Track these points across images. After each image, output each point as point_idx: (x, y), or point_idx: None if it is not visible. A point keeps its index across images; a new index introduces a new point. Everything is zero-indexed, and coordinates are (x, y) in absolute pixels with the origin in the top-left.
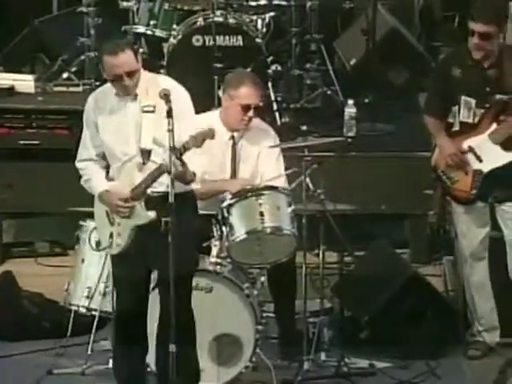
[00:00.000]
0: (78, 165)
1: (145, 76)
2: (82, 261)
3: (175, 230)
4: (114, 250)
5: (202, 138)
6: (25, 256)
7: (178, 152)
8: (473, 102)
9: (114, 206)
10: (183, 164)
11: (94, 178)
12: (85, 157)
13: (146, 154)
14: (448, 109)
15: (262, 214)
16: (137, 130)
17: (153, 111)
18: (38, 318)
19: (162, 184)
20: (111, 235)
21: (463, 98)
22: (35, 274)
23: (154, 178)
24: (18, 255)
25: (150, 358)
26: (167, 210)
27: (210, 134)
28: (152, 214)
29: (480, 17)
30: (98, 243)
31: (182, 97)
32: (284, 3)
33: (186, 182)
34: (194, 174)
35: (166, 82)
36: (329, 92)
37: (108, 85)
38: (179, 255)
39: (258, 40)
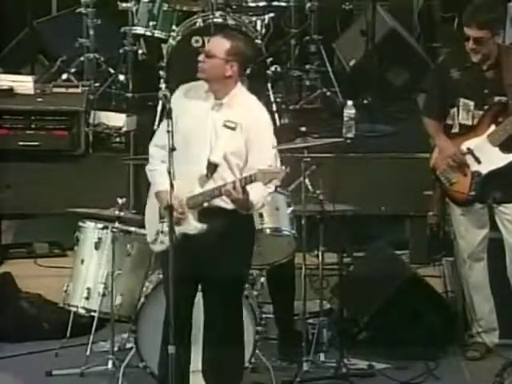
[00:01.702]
0: (151, 149)
1: (238, 91)
2: (82, 262)
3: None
4: (158, 247)
5: (270, 178)
6: (24, 257)
7: (243, 180)
8: (471, 104)
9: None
10: (244, 193)
11: (158, 173)
12: (159, 143)
13: (212, 167)
14: (446, 111)
15: (261, 215)
16: (212, 140)
17: (234, 128)
18: (37, 319)
19: (219, 199)
20: (158, 232)
21: (462, 100)
22: (34, 275)
23: (213, 195)
24: (17, 256)
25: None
26: (219, 223)
27: (279, 176)
28: (203, 226)
29: (473, 22)
30: (98, 244)
31: (263, 123)
32: (283, 4)
33: (242, 209)
34: (252, 204)
35: (253, 102)
36: (328, 93)
37: (200, 82)
38: (228, 268)
39: (258, 41)
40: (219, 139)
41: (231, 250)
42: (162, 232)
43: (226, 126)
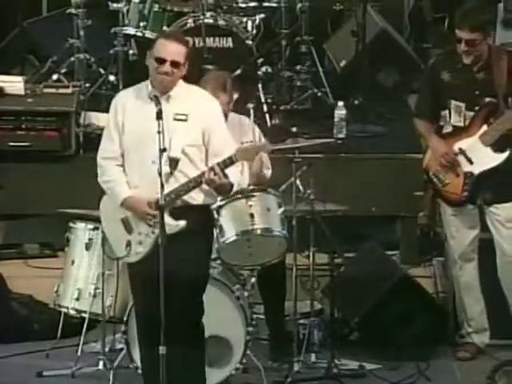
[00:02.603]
0: (101, 162)
1: (180, 84)
2: (72, 262)
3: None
4: (133, 257)
5: (253, 153)
6: (14, 258)
7: (222, 164)
8: (462, 105)
9: (142, 212)
10: (225, 176)
11: (117, 183)
12: (109, 154)
13: (174, 163)
14: (438, 112)
15: (252, 215)
16: (167, 136)
17: (185, 120)
18: (28, 320)
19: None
20: (129, 243)
21: (453, 102)
22: (25, 275)
23: (188, 189)
24: (8, 257)
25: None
26: (191, 219)
27: (264, 149)
28: (182, 223)
29: (465, 25)
30: (88, 245)
31: (215, 110)
32: (274, 5)
33: (221, 193)
34: (232, 186)
35: (198, 92)
36: (319, 94)
37: (140, 85)
38: (192, 265)
39: (248, 42)
40: (174, 133)
41: (202, 245)
42: (141, 243)
43: (176, 119)
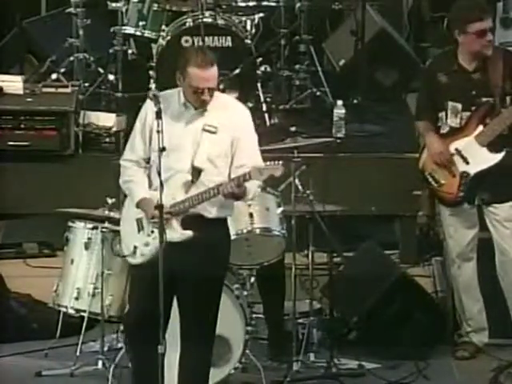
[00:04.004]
0: (123, 163)
1: (215, 95)
2: (71, 262)
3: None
4: (138, 259)
5: (266, 174)
6: (13, 257)
7: (236, 180)
8: (459, 106)
9: (150, 214)
10: (245, 192)
11: (136, 184)
12: (131, 157)
13: (196, 172)
14: (437, 114)
15: (251, 215)
16: (193, 146)
17: (215, 132)
18: (27, 320)
19: (201, 206)
20: (136, 245)
21: (450, 103)
22: (24, 275)
23: (202, 199)
24: (7, 256)
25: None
26: (202, 231)
27: (277, 172)
28: (189, 233)
29: (486, 14)
30: (87, 244)
31: (246, 121)
32: (273, 4)
33: (237, 199)
34: (246, 194)
35: (231, 102)
36: (318, 93)
37: (173, 91)
38: (210, 276)
39: (247, 41)
40: (200, 144)
41: (213, 258)
42: (148, 245)
43: (205, 130)
